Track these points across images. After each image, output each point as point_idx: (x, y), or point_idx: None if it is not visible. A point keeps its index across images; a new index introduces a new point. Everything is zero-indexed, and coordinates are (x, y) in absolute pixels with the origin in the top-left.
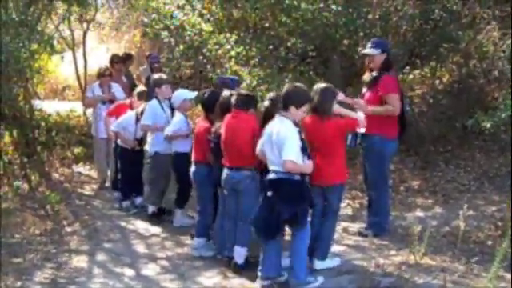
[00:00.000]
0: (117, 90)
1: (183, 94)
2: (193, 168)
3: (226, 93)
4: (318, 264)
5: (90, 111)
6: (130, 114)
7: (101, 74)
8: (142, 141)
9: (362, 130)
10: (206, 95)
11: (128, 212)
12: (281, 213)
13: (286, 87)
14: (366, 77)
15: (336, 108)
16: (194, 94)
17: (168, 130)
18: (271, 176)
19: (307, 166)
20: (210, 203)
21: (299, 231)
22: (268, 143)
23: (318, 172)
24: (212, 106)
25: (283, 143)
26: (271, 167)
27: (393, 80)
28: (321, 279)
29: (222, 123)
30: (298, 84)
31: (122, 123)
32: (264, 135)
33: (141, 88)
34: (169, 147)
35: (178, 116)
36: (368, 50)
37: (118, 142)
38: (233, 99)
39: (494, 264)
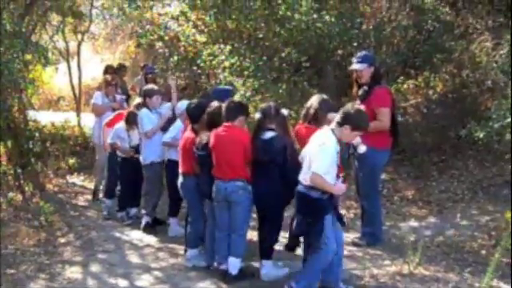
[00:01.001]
0: (121, 99)
1: (186, 103)
2: (180, 179)
3: (213, 103)
4: None
5: (90, 119)
6: (120, 124)
7: (108, 84)
8: (138, 148)
9: (362, 149)
10: (191, 106)
11: (122, 223)
12: (296, 226)
13: (349, 106)
14: (355, 91)
15: (331, 116)
16: None
17: (166, 137)
18: (297, 187)
19: (337, 187)
20: (201, 213)
21: (313, 251)
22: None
23: None
24: (197, 117)
25: (317, 155)
26: (299, 177)
27: (385, 92)
28: None
29: (211, 135)
30: (362, 109)
31: (116, 133)
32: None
33: (139, 100)
34: (163, 155)
35: (178, 123)
36: (356, 66)
37: (118, 153)
38: (223, 109)
39: (487, 274)
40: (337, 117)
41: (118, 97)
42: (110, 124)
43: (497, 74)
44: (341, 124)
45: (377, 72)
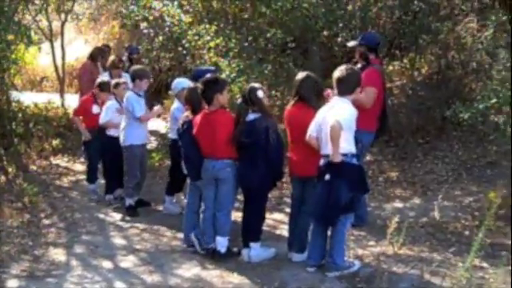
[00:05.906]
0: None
1: (183, 83)
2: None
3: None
4: (297, 257)
5: (74, 100)
6: (112, 102)
7: (115, 66)
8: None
9: None
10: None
11: (111, 206)
12: (339, 198)
13: (340, 71)
14: None
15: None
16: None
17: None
18: (328, 160)
19: (338, 154)
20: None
21: (346, 217)
22: (323, 125)
23: (297, 162)
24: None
25: (343, 109)
26: (326, 151)
27: (374, 72)
28: (358, 263)
29: (194, 122)
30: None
31: (109, 111)
32: (317, 118)
33: (102, 79)
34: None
35: (176, 104)
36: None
37: (109, 132)
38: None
39: (470, 253)
40: (336, 90)
41: (124, 75)
42: (79, 112)
43: (482, 56)
44: (351, 90)
45: (366, 52)
